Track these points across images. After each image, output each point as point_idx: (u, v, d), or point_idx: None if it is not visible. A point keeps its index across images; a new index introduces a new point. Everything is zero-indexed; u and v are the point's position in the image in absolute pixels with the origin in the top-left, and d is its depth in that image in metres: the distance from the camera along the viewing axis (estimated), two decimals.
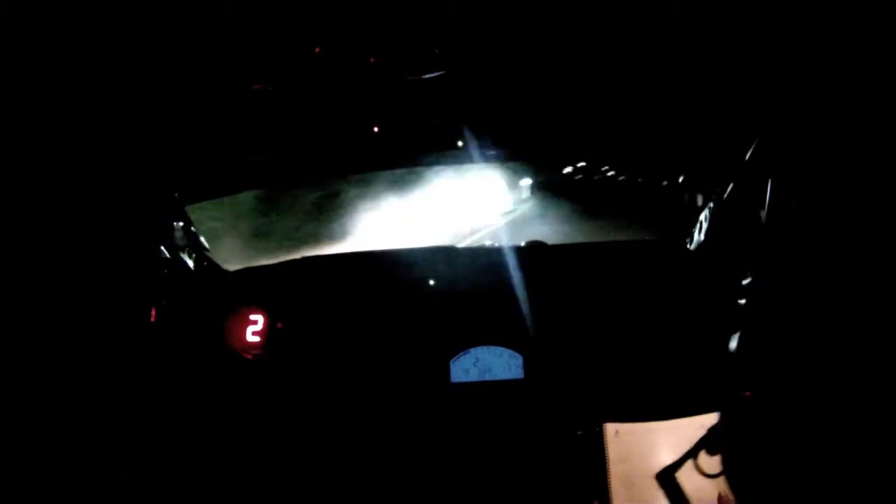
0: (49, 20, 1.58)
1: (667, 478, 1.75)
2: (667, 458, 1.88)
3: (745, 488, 1.27)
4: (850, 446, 0.89)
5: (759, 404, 1.13)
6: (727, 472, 1.37)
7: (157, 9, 1.63)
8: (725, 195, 1.95)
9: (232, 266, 2.42)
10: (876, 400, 0.86)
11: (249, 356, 2.11)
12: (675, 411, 1.93)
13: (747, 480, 1.23)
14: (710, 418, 1.58)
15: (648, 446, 1.94)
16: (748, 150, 1.64)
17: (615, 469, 1.91)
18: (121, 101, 1.85)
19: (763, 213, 1.43)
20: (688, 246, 2.23)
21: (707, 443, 1.51)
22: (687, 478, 1.73)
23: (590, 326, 2.07)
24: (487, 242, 2.43)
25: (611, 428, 1.94)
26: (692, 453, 1.53)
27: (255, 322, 2.15)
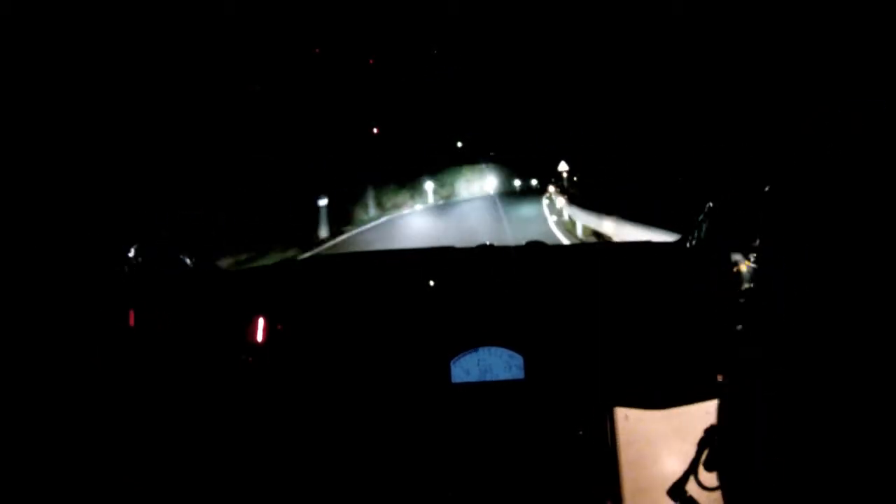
0: (49, 20, 1.58)
1: (671, 470, 1.76)
2: (672, 444, 1.89)
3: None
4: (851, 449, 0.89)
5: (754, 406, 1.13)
6: (725, 486, 1.39)
7: (157, 9, 1.62)
8: (724, 194, 1.96)
9: (232, 267, 2.41)
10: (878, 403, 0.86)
11: (250, 358, 2.11)
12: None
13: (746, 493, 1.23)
14: (713, 405, 1.60)
15: (654, 431, 1.95)
16: (748, 151, 1.64)
17: (624, 453, 1.93)
18: (119, 101, 1.84)
19: (762, 211, 1.43)
20: (687, 245, 2.23)
21: (706, 454, 1.53)
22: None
23: (589, 326, 2.07)
24: (486, 242, 2.43)
25: (621, 412, 1.96)
26: (693, 468, 1.56)
27: (255, 323, 2.14)
